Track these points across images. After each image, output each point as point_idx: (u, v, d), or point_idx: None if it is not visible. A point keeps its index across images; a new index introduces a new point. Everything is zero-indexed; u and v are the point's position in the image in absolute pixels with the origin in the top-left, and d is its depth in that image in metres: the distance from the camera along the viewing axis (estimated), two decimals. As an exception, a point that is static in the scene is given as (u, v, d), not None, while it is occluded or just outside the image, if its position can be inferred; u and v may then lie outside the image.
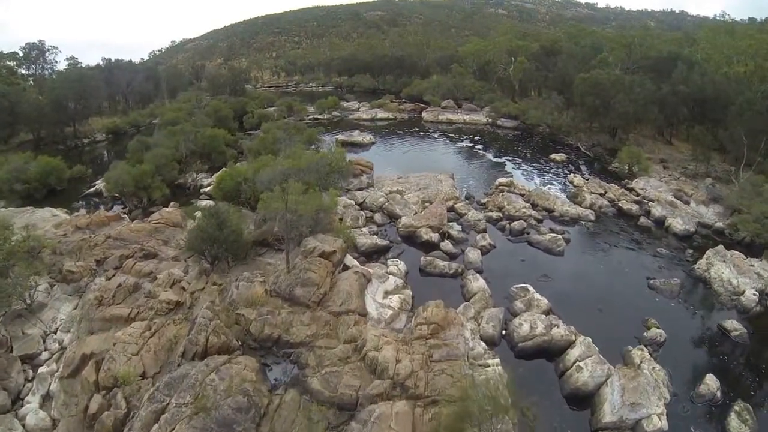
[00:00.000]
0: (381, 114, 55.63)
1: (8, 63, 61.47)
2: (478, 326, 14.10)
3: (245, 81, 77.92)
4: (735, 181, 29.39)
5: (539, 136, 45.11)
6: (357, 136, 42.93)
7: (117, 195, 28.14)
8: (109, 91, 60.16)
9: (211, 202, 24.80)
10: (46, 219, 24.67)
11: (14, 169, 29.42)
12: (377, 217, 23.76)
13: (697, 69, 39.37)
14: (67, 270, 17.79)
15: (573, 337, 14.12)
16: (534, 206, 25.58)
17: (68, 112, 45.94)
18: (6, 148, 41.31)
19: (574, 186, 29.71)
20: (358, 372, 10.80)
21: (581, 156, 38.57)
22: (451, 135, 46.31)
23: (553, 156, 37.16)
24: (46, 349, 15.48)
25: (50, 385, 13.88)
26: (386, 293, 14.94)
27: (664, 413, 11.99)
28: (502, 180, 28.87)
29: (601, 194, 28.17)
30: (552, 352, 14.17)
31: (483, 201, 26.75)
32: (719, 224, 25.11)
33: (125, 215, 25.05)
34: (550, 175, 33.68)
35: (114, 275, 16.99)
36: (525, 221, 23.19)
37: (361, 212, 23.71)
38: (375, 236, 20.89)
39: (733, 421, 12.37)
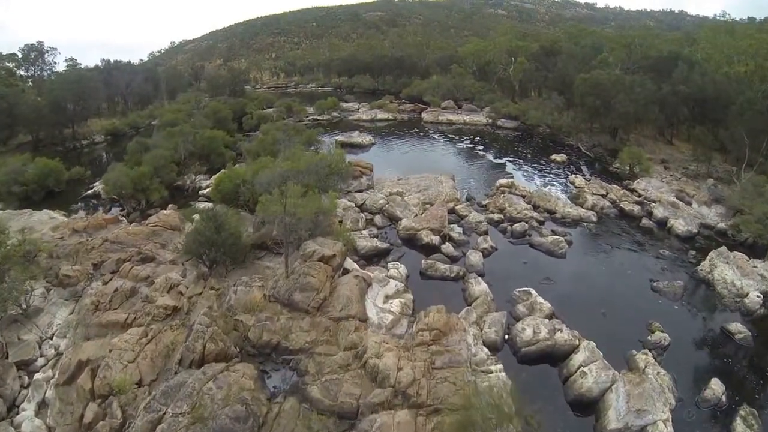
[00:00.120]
0: (381, 115, 55.43)
1: (7, 64, 61.32)
2: (481, 331, 13.89)
3: (244, 82, 77.73)
4: (736, 182, 29.24)
5: (539, 136, 44.93)
6: (357, 137, 42.73)
7: (115, 197, 27.93)
8: (108, 92, 59.91)
9: (210, 205, 24.67)
10: (44, 221, 24.45)
11: (12, 170, 29.23)
12: (377, 219, 23.54)
13: (697, 69, 39.23)
14: (63, 274, 17.58)
15: (577, 342, 13.93)
16: (535, 208, 25.38)
17: (67, 113, 45.74)
18: (4, 149, 41.14)
19: (576, 187, 29.53)
20: (358, 380, 10.58)
21: (582, 156, 38.39)
22: (451, 136, 46.12)
23: (553, 156, 36.97)
24: (42, 355, 15.26)
25: (46, 392, 13.65)
26: (387, 297, 14.73)
27: (670, 419, 11.82)
28: (503, 181, 28.66)
29: (602, 195, 27.99)
30: (555, 357, 13.97)
31: (484, 202, 26.55)
32: (721, 225, 24.97)
33: (123, 218, 24.84)
34: (550, 175, 33.49)
35: (111, 279, 16.78)
36: (527, 223, 22.98)
37: (361, 214, 23.49)
38: (375, 239, 20.68)
39: (739, 426, 12.20)
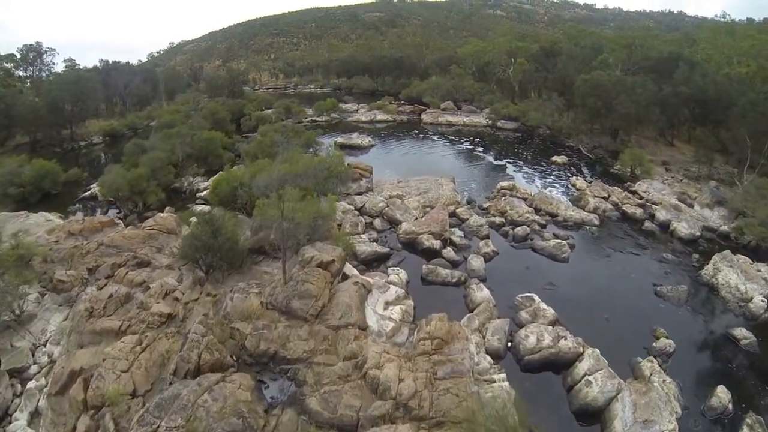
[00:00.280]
0: (380, 116, 55.17)
1: (5, 65, 61.03)
2: (483, 339, 13.60)
3: (243, 83, 77.48)
4: (738, 184, 29.02)
5: (540, 138, 44.70)
6: (356, 138, 42.46)
7: (112, 199, 27.63)
8: (106, 93, 59.66)
9: (207, 207, 24.38)
10: (40, 224, 24.15)
11: (8, 172, 29.01)
12: (377, 222, 23.22)
13: (698, 70, 39.03)
14: (57, 279, 17.26)
15: (581, 349, 13.66)
16: (537, 211, 25.10)
17: (65, 114, 45.49)
18: (2, 150, 40.86)
19: (577, 189, 29.29)
20: (358, 391, 10.27)
21: (583, 158, 38.17)
22: (450, 137, 45.88)
23: (554, 158, 36.72)
24: (35, 363, 14.96)
25: (39, 401, 13.37)
26: (387, 304, 14.43)
27: (677, 429, 11.55)
28: (504, 184, 28.38)
29: (604, 198, 27.74)
30: (559, 365, 13.69)
31: (485, 205, 26.24)
32: (724, 228, 24.75)
33: (119, 220, 24.51)
34: (551, 177, 33.25)
35: (106, 285, 16.44)
36: (528, 226, 22.70)
37: (361, 218, 23.18)
38: (375, 243, 20.37)
39: (746, 434, 11.94)
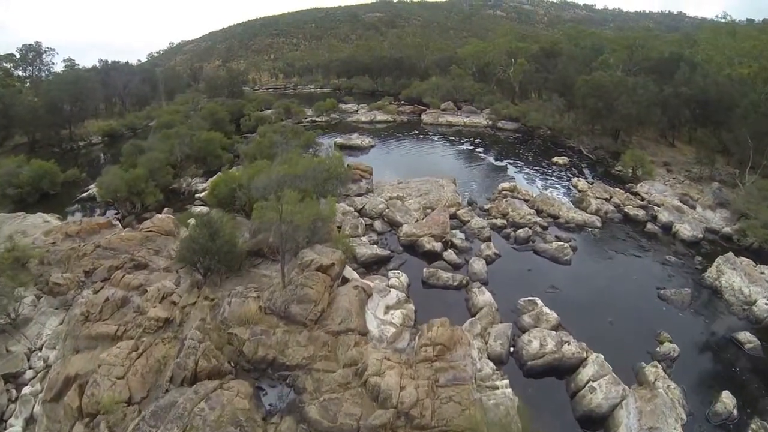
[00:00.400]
0: (380, 116, 54.94)
1: (4, 65, 60.82)
2: (485, 344, 13.38)
3: (243, 83, 77.24)
4: (740, 185, 28.87)
5: (540, 138, 44.52)
6: (356, 139, 42.24)
7: (110, 200, 27.40)
8: (105, 93, 59.41)
9: (206, 209, 24.15)
10: (37, 225, 23.94)
11: (6, 173, 28.82)
12: (377, 224, 22.98)
13: (699, 70, 38.89)
14: (53, 282, 17.03)
15: (585, 354, 13.46)
16: (539, 212, 24.89)
17: (63, 114, 45.22)
18: (0, 151, 40.59)
19: (579, 190, 29.10)
20: (359, 399, 10.05)
21: (584, 159, 37.99)
22: (451, 138, 45.68)
23: (555, 159, 36.54)
24: (30, 368, 14.74)
25: (34, 407, 13.15)
26: (388, 308, 14.20)
27: (682, 436, 11.37)
28: (505, 185, 28.16)
29: (606, 199, 27.54)
30: (562, 370, 13.50)
31: (486, 207, 26.02)
32: (727, 230, 24.58)
33: (117, 222, 24.29)
34: (552, 178, 33.07)
35: (102, 288, 16.21)
36: (530, 228, 22.49)
37: (361, 219, 22.92)
38: (375, 246, 20.12)
39: (751, 440, 11.78)
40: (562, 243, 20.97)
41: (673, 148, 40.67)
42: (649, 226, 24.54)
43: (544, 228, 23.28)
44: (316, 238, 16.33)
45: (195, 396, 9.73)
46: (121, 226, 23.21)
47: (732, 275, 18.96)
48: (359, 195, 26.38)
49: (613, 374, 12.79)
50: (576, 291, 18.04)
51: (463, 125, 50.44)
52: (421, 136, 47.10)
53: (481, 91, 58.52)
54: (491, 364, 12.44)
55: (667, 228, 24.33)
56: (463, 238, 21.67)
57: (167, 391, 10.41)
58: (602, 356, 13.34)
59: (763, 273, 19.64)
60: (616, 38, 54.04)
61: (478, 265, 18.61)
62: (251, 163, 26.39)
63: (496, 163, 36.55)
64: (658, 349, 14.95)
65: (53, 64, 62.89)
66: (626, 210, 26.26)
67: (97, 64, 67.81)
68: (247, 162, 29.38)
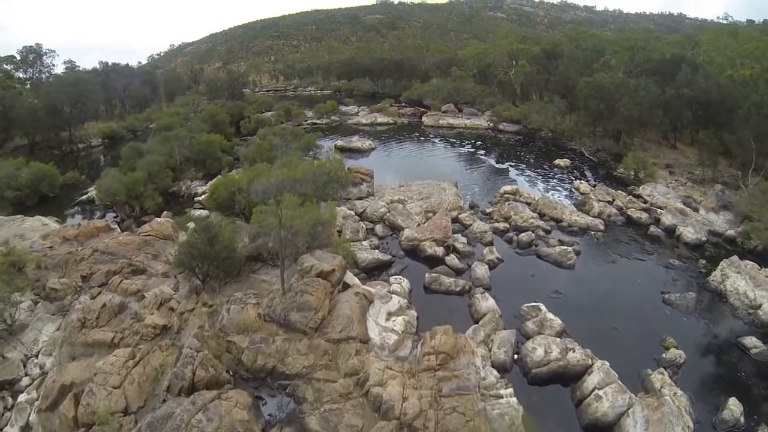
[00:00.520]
0: (380, 118, 54.76)
1: (5, 66, 60.80)
2: (489, 351, 13.14)
3: (243, 85, 77.15)
4: (743, 187, 28.67)
5: (542, 140, 44.33)
6: (356, 141, 42.05)
7: (109, 203, 27.22)
8: (105, 95, 59.33)
9: (205, 212, 23.95)
10: (36, 228, 23.75)
11: (5, 175, 28.66)
12: (378, 228, 22.73)
13: (701, 72, 38.73)
14: (50, 288, 16.80)
15: (590, 362, 13.23)
16: (541, 216, 24.65)
17: (64, 116, 45.06)
18: (0, 153, 40.44)
19: (581, 193, 28.88)
20: (360, 410, 9.81)
21: (585, 161, 37.78)
22: (452, 140, 45.49)
23: (557, 161, 36.34)
24: (26, 374, 14.47)
25: (29, 415, 12.91)
26: (389, 315, 13.96)
27: (689, 444, 11.14)
28: (507, 188, 27.92)
29: (608, 202, 27.32)
30: (567, 378, 13.26)
31: (488, 210, 25.76)
32: (730, 232, 24.35)
33: (116, 225, 24.10)
34: (554, 181, 32.85)
35: (99, 293, 15.99)
36: (533, 232, 22.24)
37: (361, 224, 22.67)
38: (376, 250, 19.88)
39: (759, 448, 11.54)
40: (565, 247, 20.73)
41: (675, 150, 40.45)
42: (652, 229, 24.31)
43: (547, 232, 23.04)
44: (316, 243, 16.11)
45: (192, 407, 9.50)
46: (119, 230, 23.02)
47: (737, 279, 18.74)
48: (360, 198, 26.15)
49: (619, 382, 12.55)
50: (580, 296, 17.80)
51: (464, 127, 50.25)
52: (422, 138, 46.92)
53: (482, 93, 58.41)
54: (495, 372, 12.20)
55: (670, 231, 24.11)
56: (465, 242, 21.41)
57: (164, 401, 10.18)
58: (608, 363, 13.11)
59: (767, 276, 19.40)
60: (617, 39, 53.95)
61: (480, 270, 18.37)
62: (251, 166, 26.20)
63: (498, 166, 36.34)
64: (663, 355, 14.71)
65: (54, 65, 62.91)
66: (629, 213, 26.04)
67: (98, 66, 67.85)
68: (246, 165, 29.20)
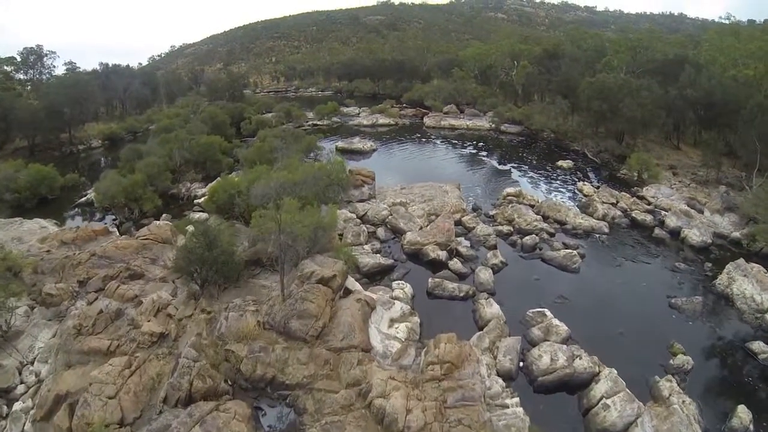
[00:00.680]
0: (382, 120, 54.52)
1: (5, 68, 60.76)
2: (494, 359, 12.82)
3: (244, 86, 77.02)
4: (748, 188, 28.37)
5: (544, 141, 44.05)
6: (357, 143, 41.77)
7: (108, 206, 26.98)
8: (106, 96, 59.25)
9: (205, 215, 23.70)
10: (34, 231, 23.50)
11: (4, 177, 28.45)
12: (380, 232, 22.40)
13: (704, 72, 38.44)
14: (46, 293, 16.52)
15: (597, 369, 12.92)
16: (545, 218, 24.31)
17: (63, 117, 44.86)
18: (0, 154, 40.26)
19: (584, 195, 28.57)
20: (363, 422, 9.51)
21: (588, 162, 37.49)
22: (453, 141, 45.21)
23: (559, 163, 36.06)
24: (22, 382, 14.17)
25: (24, 425, 12.63)
26: (392, 321, 13.66)
27: (698, 454, 10.84)
28: (510, 190, 27.61)
29: (612, 204, 27.03)
30: (574, 386, 12.94)
31: (491, 213, 25.42)
32: (735, 234, 24.05)
33: (114, 228, 23.85)
34: (557, 182, 32.56)
35: (96, 299, 15.71)
36: (537, 235, 21.92)
37: (363, 227, 22.33)
38: (378, 254, 19.57)
39: (768, 458, 11.24)
40: (570, 250, 20.42)
41: (679, 150, 40.15)
42: (657, 231, 24.01)
43: (551, 235, 22.72)
44: (316, 248, 15.81)
45: (189, 419, 9.21)
46: (118, 233, 22.76)
47: (743, 282, 18.45)
48: (361, 201, 25.82)
49: (627, 390, 12.25)
50: (585, 301, 17.50)
51: (466, 128, 49.97)
52: (424, 139, 46.65)
53: (484, 94, 58.19)
54: (500, 380, 11.89)
55: (675, 233, 23.81)
56: (469, 245, 21.10)
57: (161, 412, 9.89)
58: (615, 371, 12.80)
59: (774, 279, 19.08)
60: (619, 39, 53.63)
61: (484, 274, 18.05)
62: (251, 168, 25.93)
63: (500, 167, 36.03)
64: (671, 361, 14.42)
65: (54, 67, 62.89)
66: (633, 215, 25.74)
67: (98, 67, 67.74)
68: (246, 167, 28.94)
